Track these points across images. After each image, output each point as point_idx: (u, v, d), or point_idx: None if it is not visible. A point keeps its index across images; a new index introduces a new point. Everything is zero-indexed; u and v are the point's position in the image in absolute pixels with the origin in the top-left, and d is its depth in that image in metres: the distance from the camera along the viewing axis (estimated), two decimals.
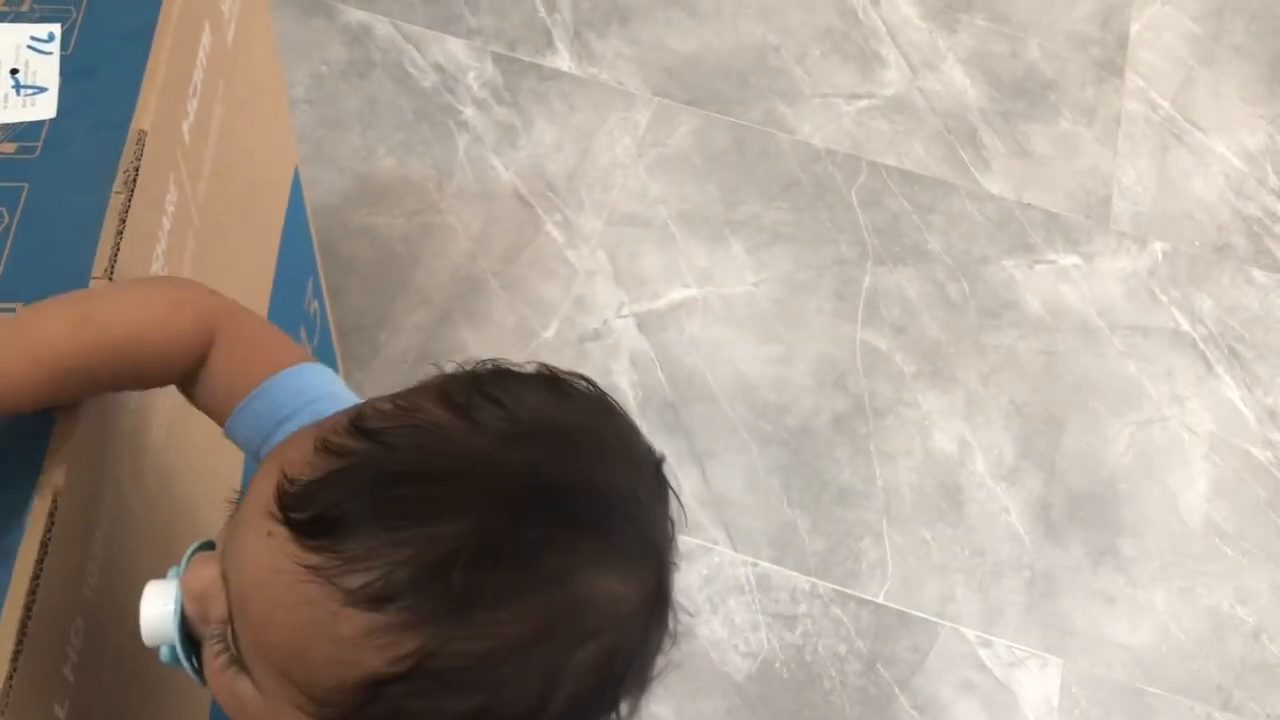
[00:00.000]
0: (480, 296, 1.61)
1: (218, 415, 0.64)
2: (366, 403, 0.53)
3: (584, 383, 0.55)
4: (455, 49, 1.83)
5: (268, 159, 1.09)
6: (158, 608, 0.54)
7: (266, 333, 0.67)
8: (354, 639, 0.46)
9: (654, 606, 0.52)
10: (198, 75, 0.83)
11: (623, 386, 1.55)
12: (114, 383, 0.62)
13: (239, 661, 0.51)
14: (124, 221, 0.67)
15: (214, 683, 0.54)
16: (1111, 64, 1.92)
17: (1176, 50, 1.95)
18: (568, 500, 0.49)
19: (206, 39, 0.86)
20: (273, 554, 0.48)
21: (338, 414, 0.53)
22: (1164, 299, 1.69)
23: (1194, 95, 1.90)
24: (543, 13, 1.88)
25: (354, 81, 1.79)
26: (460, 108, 1.77)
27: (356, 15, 1.85)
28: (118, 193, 0.68)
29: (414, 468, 0.49)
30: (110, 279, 0.65)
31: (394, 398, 0.53)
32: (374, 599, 0.46)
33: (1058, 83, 1.89)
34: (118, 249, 0.66)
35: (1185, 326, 1.67)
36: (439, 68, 1.81)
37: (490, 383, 0.52)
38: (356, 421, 0.50)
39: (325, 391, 0.63)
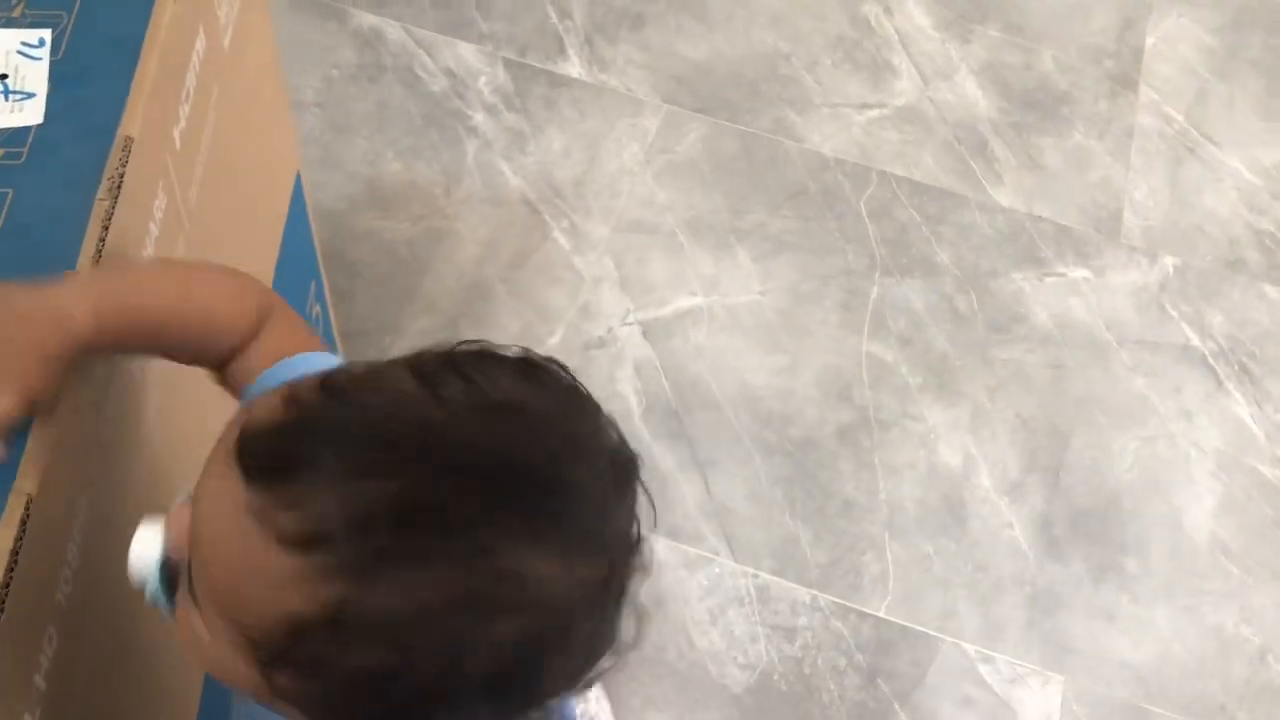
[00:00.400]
0: (486, 303, 1.61)
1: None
2: (342, 365, 0.56)
3: (560, 370, 0.55)
4: (466, 54, 1.83)
5: (266, 163, 1.09)
6: (141, 546, 0.56)
7: (303, 324, 0.73)
8: (280, 579, 0.48)
9: (595, 600, 0.52)
10: (190, 80, 0.84)
11: (626, 394, 1.55)
12: (175, 345, 0.67)
13: (195, 599, 0.53)
14: (107, 228, 0.67)
15: (178, 617, 0.55)
16: (1126, 77, 1.91)
17: (1192, 63, 1.94)
18: (516, 480, 0.50)
19: (200, 44, 0.86)
20: (224, 492, 0.50)
21: (316, 373, 0.54)
22: (1174, 314, 1.68)
23: (1208, 109, 1.88)
24: (554, 18, 1.88)
25: (364, 85, 1.79)
26: (470, 113, 1.78)
27: (368, 19, 1.85)
28: (102, 200, 0.68)
29: (368, 428, 0.50)
30: None
31: (370, 363, 0.54)
32: (302, 541, 0.48)
33: (1071, 95, 1.88)
34: (99, 256, 0.66)
35: (1195, 341, 1.66)
36: (449, 73, 1.81)
37: (465, 361, 0.53)
38: (326, 380, 0.52)
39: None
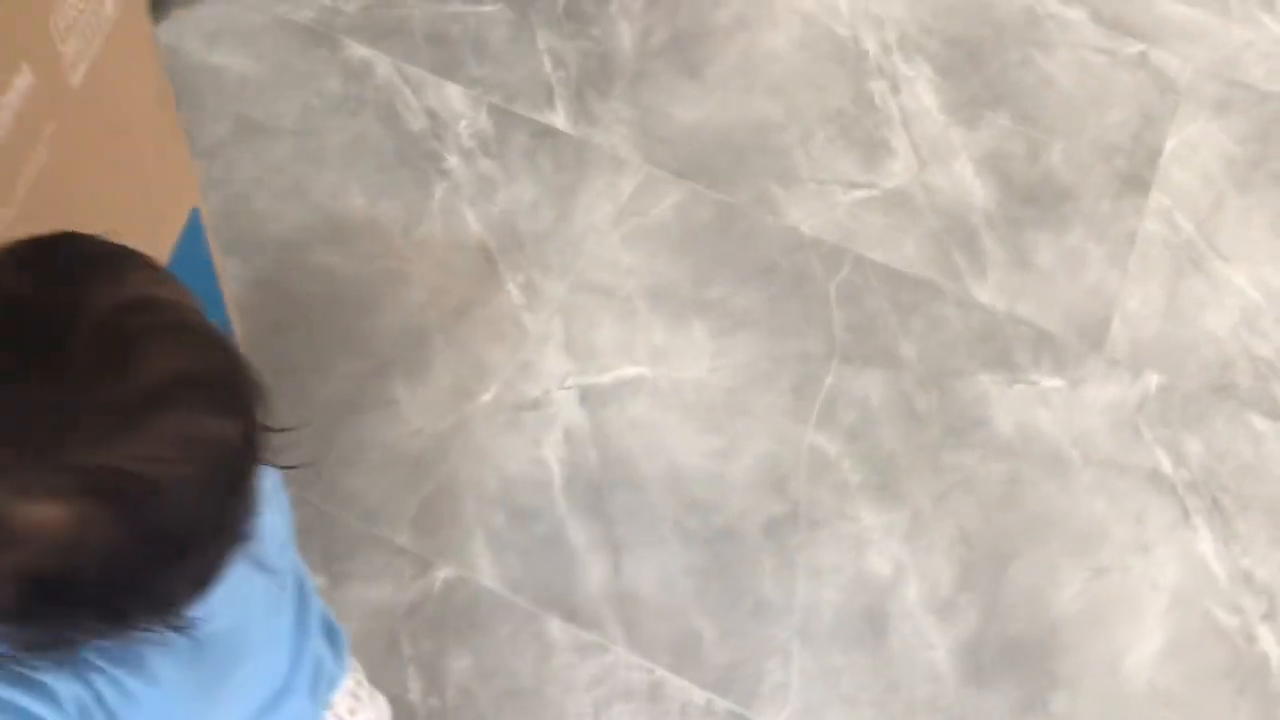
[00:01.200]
0: (423, 350, 1.57)
1: None
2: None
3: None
4: (452, 95, 1.80)
5: (140, 201, 1.07)
6: None
7: None
8: None
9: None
10: (4, 118, 0.81)
11: (550, 462, 1.49)
12: None
13: None
14: None
15: None
16: (1138, 179, 1.81)
17: (1211, 171, 1.84)
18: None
19: (24, 81, 0.83)
20: None
21: None
22: (1148, 436, 1.58)
23: (1221, 221, 1.78)
24: (548, 67, 1.85)
25: (344, 118, 1.77)
26: (445, 155, 1.74)
27: (360, 51, 1.83)
28: None
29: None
30: None
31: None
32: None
33: (1074, 192, 1.79)
34: None
35: (1166, 468, 1.56)
36: (431, 113, 1.78)
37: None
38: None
39: None
